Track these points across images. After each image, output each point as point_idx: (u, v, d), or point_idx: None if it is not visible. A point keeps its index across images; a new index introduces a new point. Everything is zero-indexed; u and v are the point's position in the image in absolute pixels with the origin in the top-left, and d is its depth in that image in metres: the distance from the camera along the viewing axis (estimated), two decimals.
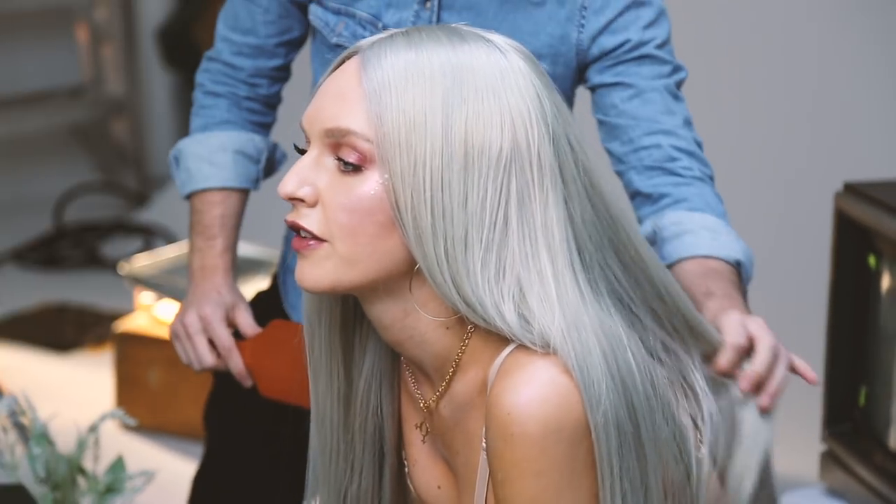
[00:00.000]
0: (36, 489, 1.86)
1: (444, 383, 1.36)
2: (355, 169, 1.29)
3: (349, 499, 1.46)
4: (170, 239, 4.51)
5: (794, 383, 1.48)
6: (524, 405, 1.25)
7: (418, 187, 1.26)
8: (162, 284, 3.27)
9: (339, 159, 1.30)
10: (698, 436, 1.37)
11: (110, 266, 4.37)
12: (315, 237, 1.31)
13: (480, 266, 1.27)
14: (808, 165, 3.70)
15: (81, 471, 1.88)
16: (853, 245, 2.34)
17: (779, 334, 1.50)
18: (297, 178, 1.31)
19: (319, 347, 1.42)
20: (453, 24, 1.35)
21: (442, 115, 1.27)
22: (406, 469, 1.47)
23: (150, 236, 4.67)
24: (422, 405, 1.40)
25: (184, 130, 5.63)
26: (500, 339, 1.30)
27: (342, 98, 1.30)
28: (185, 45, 5.04)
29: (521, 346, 1.28)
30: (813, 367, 1.52)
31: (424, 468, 1.44)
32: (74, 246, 4.66)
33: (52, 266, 4.55)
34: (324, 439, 1.45)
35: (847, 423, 2.38)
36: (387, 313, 1.34)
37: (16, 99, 4.99)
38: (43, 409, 1.94)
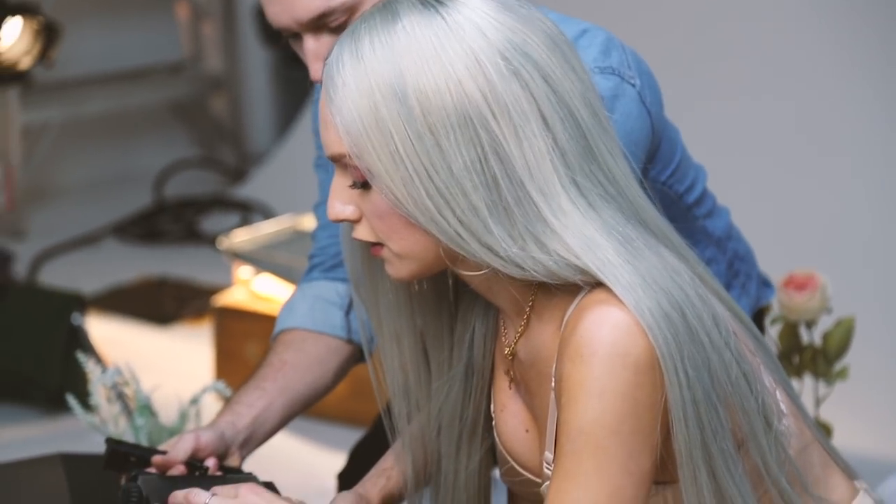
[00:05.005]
0: None
1: (521, 326, 1.44)
2: (364, 185, 1.38)
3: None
4: (267, 214, 4.55)
5: None
6: (595, 328, 1.32)
7: (406, 177, 1.34)
8: (260, 259, 3.29)
9: (352, 181, 1.39)
10: (771, 381, 1.43)
11: (208, 241, 4.42)
12: (374, 244, 1.42)
13: (493, 225, 1.33)
14: None
15: None
16: None
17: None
18: (337, 202, 1.41)
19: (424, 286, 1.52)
20: None
21: (395, 104, 1.33)
22: (492, 419, 1.55)
23: (248, 212, 4.71)
24: (506, 352, 1.48)
25: (281, 107, 5.68)
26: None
27: (325, 126, 1.39)
28: None
29: (599, 286, 1.34)
30: None
31: (513, 413, 1.51)
32: (174, 221, 4.72)
33: (152, 240, 4.60)
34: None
35: None
36: (469, 278, 1.43)
37: (117, 75, 5.05)
38: (144, 380, 1.96)
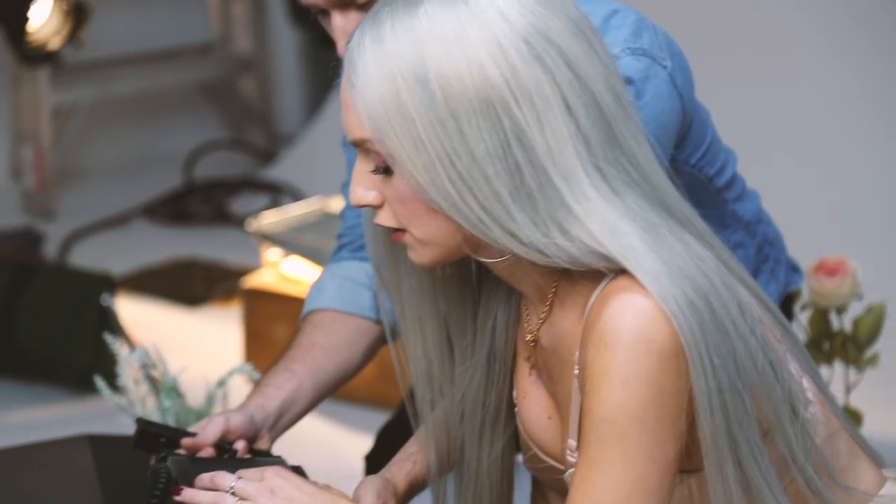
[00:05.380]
0: None
1: (544, 312, 1.44)
2: (386, 171, 1.37)
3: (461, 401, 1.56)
4: (296, 196, 4.55)
5: None
6: (619, 315, 1.31)
7: (428, 162, 1.33)
8: (289, 241, 3.29)
9: (374, 166, 1.38)
10: (798, 369, 1.42)
11: (238, 222, 4.42)
12: (396, 229, 1.41)
13: (516, 211, 1.33)
14: None
15: None
16: None
17: None
18: (359, 187, 1.41)
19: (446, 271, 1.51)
20: None
21: (417, 88, 1.32)
22: (515, 406, 1.55)
23: (277, 193, 4.71)
24: (528, 338, 1.47)
25: (310, 88, 5.67)
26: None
27: (347, 110, 1.38)
28: None
29: (622, 273, 1.33)
30: None
31: (536, 400, 1.51)
32: (203, 202, 4.73)
33: (182, 222, 4.61)
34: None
35: None
36: (492, 264, 1.42)
37: (147, 56, 5.06)
38: (172, 361, 1.96)
